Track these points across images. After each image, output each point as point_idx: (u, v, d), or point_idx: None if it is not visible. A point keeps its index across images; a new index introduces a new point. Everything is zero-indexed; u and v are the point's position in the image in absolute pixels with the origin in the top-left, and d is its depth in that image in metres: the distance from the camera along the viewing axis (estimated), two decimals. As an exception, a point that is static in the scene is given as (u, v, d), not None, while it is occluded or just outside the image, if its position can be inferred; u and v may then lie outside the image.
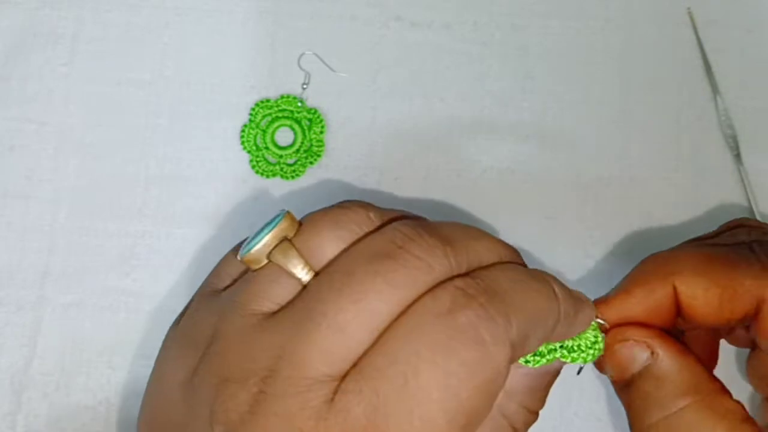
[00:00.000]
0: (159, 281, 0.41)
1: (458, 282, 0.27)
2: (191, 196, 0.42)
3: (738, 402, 0.30)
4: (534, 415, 0.31)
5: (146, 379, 0.40)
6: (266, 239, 0.28)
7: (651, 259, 0.33)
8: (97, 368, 0.40)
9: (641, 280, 0.32)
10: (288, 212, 0.29)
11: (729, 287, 0.31)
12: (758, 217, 0.41)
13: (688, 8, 0.43)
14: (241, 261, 0.29)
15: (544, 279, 0.29)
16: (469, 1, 0.43)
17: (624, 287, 0.32)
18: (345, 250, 0.28)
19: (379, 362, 0.26)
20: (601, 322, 0.32)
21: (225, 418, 0.26)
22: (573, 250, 0.41)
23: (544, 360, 0.30)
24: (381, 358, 0.26)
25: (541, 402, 0.32)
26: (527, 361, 0.30)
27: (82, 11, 0.43)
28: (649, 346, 0.31)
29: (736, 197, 0.41)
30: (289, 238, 0.29)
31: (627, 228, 0.41)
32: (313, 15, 0.43)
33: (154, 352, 0.40)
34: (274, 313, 0.28)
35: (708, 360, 0.36)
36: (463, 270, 0.28)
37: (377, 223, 0.29)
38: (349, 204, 0.30)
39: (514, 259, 0.30)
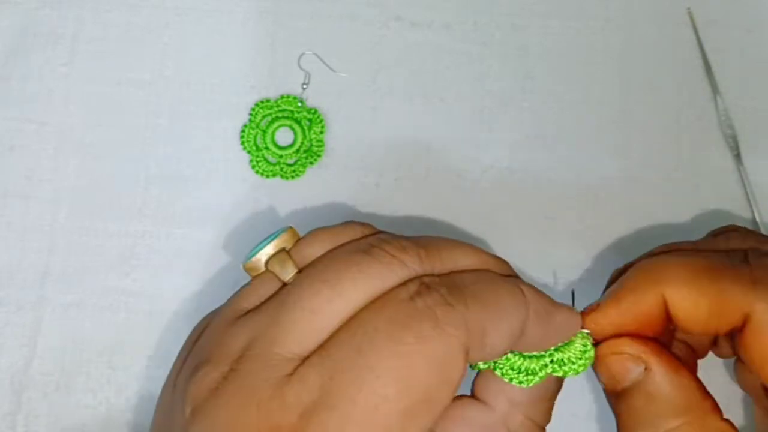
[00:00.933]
0: (159, 281, 0.41)
1: (426, 278, 0.28)
2: (191, 196, 0.42)
3: (728, 421, 0.30)
4: (540, 430, 0.32)
5: (146, 379, 0.40)
6: (266, 249, 0.30)
7: (641, 266, 0.32)
8: (97, 368, 0.40)
9: (631, 287, 0.31)
10: (291, 227, 0.31)
11: (717, 300, 0.30)
12: (758, 217, 0.41)
13: (688, 8, 0.43)
14: (243, 269, 0.31)
15: (513, 281, 0.30)
16: (469, 1, 0.43)
17: (614, 293, 0.32)
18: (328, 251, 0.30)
19: (340, 337, 0.27)
20: (586, 332, 0.32)
21: (194, 395, 0.27)
22: (573, 250, 0.41)
23: (536, 378, 0.31)
24: (343, 333, 0.27)
25: (547, 415, 0.32)
26: (521, 382, 0.31)
27: (82, 11, 0.43)
28: (643, 361, 0.30)
29: (736, 197, 0.41)
30: (287, 249, 0.30)
31: (627, 228, 0.41)
32: (313, 15, 0.43)
33: (155, 352, 0.40)
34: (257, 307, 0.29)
35: None
36: (437, 272, 0.29)
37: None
38: (349, 222, 0.32)
39: (499, 268, 0.31)
